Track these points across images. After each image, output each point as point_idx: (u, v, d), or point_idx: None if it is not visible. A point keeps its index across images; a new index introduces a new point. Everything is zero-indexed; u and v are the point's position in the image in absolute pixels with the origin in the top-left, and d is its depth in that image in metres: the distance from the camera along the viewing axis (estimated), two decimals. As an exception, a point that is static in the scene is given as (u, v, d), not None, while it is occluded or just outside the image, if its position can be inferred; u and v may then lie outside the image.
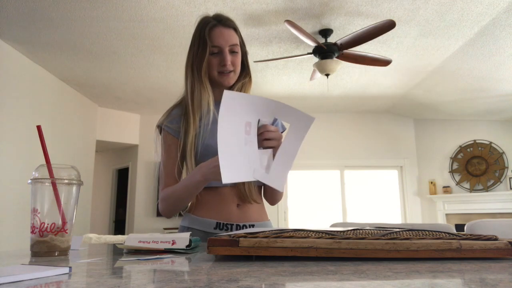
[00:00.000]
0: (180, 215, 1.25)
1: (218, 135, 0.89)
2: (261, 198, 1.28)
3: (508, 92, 4.97)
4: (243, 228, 1.18)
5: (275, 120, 1.36)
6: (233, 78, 1.23)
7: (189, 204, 1.26)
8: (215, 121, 1.20)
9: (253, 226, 1.21)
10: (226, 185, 1.18)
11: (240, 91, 1.25)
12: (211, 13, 1.26)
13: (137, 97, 5.72)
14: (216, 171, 0.99)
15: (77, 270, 0.56)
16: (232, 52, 1.20)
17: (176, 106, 1.27)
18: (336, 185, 6.52)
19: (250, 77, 1.29)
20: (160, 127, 1.25)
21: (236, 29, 1.22)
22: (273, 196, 1.27)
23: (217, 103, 1.26)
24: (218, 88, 1.25)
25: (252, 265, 0.55)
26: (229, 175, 0.91)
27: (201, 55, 1.19)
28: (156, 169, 6.50)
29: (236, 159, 0.94)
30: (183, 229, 1.22)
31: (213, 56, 1.19)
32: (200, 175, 1.05)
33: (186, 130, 1.19)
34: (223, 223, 1.18)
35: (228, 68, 1.19)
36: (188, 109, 1.20)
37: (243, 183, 1.17)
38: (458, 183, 6.17)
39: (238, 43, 1.22)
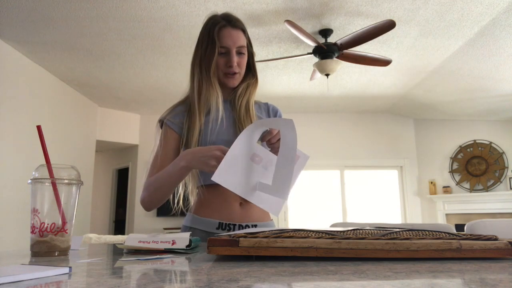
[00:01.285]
0: (183, 214, 1.25)
1: (235, 142, 0.94)
2: None
3: (508, 92, 4.97)
4: (245, 229, 1.18)
5: (275, 115, 1.35)
6: (237, 79, 1.23)
7: (192, 204, 1.25)
8: (222, 120, 1.21)
9: (255, 226, 1.20)
10: None
11: (246, 91, 1.26)
12: (212, 12, 1.26)
13: (137, 97, 5.72)
14: (204, 162, 0.99)
15: (77, 270, 0.56)
16: (239, 53, 1.21)
17: (181, 103, 1.27)
18: (336, 185, 6.52)
19: (256, 78, 1.29)
20: (162, 121, 1.24)
21: (244, 31, 1.23)
22: None
23: (226, 101, 1.27)
24: (222, 88, 1.25)
25: (252, 265, 0.55)
26: (220, 177, 0.93)
27: (210, 54, 1.19)
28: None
29: (237, 168, 0.95)
30: (185, 229, 1.21)
31: (220, 56, 1.20)
32: (185, 161, 1.04)
33: (189, 127, 1.19)
34: (226, 223, 1.17)
35: (234, 69, 1.20)
36: (194, 107, 1.20)
37: None
38: (458, 183, 6.17)
39: (245, 45, 1.22)
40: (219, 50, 1.18)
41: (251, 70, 1.29)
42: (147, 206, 1.17)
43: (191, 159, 1.03)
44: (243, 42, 1.21)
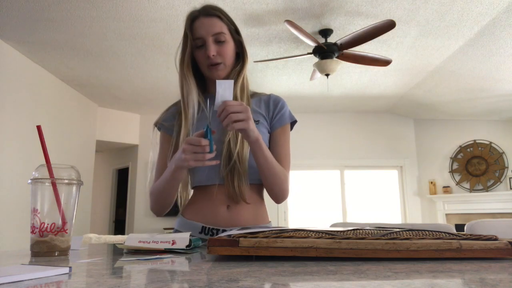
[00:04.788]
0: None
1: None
2: (259, 198, 1.19)
3: (508, 92, 4.97)
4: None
5: (276, 106, 1.25)
6: (222, 70, 1.14)
7: (181, 205, 1.21)
8: (203, 117, 1.15)
9: None
10: (214, 185, 1.12)
11: (236, 82, 1.16)
12: (192, 8, 1.18)
13: (137, 97, 5.72)
14: (179, 158, 0.97)
15: (77, 270, 0.56)
16: (218, 41, 1.11)
17: (174, 105, 1.25)
18: (336, 185, 6.52)
19: (244, 62, 1.19)
20: (155, 125, 1.25)
21: (220, 17, 1.13)
22: (273, 193, 1.15)
23: (212, 96, 1.17)
24: (211, 83, 1.18)
25: (252, 265, 0.55)
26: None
27: (183, 50, 1.14)
28: (154, 168, 6.50)
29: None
30: (174, 231, 1.19)
31: (199, 49, 1.12)
32: (174, 163, 1.02)
33: (179, 127, 1.16)
34: (209, 228, 1.10)
35: (214, 59, 1.10)
36: (181, 107, 1.17)
37: (233, 181, 1.09)
38: (458, 183, 6.17)
39: (225, 31, 1.12)
40: (195, 43, 1.11)
41: (239, 58, 1.19)
42: (155, 212, 1.16)
43: (175, 159, 1.01)
44: (220, 28, 1.11)
